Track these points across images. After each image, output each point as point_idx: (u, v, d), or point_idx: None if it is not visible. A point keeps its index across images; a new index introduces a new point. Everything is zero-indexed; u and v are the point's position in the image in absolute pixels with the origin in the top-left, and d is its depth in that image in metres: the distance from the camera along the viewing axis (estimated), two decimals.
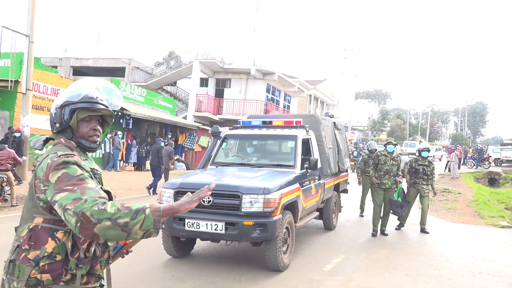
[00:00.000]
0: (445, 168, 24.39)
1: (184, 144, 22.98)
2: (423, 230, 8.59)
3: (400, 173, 8.31)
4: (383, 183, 8.14)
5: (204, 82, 28.25)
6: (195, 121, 25.24)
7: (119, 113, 18.56)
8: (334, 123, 8.96)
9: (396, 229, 8.65)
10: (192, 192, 4.69)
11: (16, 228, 1.91)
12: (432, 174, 8.63)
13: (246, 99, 27.04)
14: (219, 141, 7.31)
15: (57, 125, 1.93)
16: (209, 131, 8.68)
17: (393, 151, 8.31)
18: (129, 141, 19.60)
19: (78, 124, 1.94)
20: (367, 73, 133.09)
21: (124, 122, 18.85)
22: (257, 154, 7.33)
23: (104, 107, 1.98)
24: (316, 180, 7.09)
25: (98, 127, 2.01)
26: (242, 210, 5.34)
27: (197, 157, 22.07)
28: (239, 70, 27.29)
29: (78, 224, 1.59)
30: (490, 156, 28.64)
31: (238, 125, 7.59)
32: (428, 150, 8.79)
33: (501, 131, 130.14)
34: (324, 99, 42.75)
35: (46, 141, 1.99)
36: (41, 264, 1.74)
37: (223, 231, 5.34)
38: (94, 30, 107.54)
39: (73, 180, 1.70)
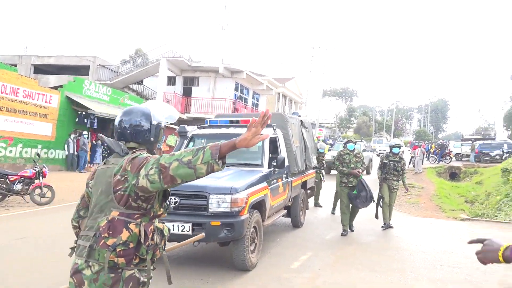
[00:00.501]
0: (409, 163, 25.07)
1: None
2: (387, 225, 8.68)
3: (363, 168, 8.32)
4: (350, 181, 8.11)
5: (171, 81, 27.93)
6: None
7: (83, 113, 18.09)
8: (301, 121, 9.04)
9: (382, 228, 8.59)
10: None
11: (74, 220, 2.51)
12: (402, 170, 8.71)
13: (214, 97, 26.93)
14: (186, 141, 7.24)
15: (152, 138, 2.40)
16: (176, 131, 8.58)
17: (354, 148, 8.38)
18: (94, 142, 19.13)
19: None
20: (334, 71, 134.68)
21: (89, 122, 18.36)
22: None
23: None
24: (283, 179, 7.14)
25: None
26: (209, 210, 5.32)
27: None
28: (207, 68, 27.14)
29: (161, 176, 2.00)
30: (451, 151, 29.66)
31: (205, 125, 7.55)
32: (399, 146, 8.86)
33: (461, 127, 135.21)
34: (292, 97, 43.11)
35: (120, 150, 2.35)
36: (118, 249, 2.08)
37: (190, 232, 5.29)
38: (56, 27, 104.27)
39: (144, 158, 2.13)
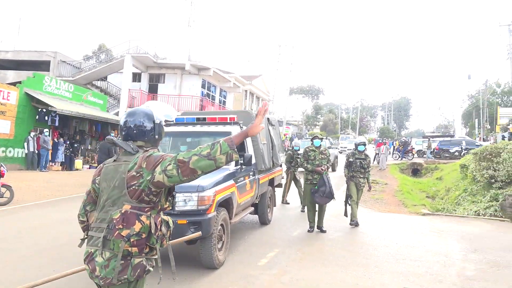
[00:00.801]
0: (373, 160, 25.68)
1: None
2: (353, 222, 8.69)
3: (328, 165, 8.23)
4: (314, 178, 8.05)
5: (136, 77, 27.41)
6: None
7: (44, 110, 17.47)
8: (268, 119, 9.07)
9: (350, 225, 8.60)
10: None
11: (81, 215, 2.68)
12: (368, 167, 8.76)
13: (181, 94, 26.63)
14: None
15: (156, 136, 2.60)
16: None
17: (320, 145, 8.31)
18: (55, 139, 18.51)
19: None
20: (301, 69, 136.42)
21: (50, 120, 17.75)
22: None
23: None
24: (250, 176, 7.15)
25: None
26: (176, 209, 5.26)
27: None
28: (173, 65, 26.79)
29: (179, 171, 2.25)
30: (414, 148, 30.56)
31: (171, 122, 7.45)
32: (364, 144, 8.90)
33: (423, 124, 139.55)
34: (259, 94, 43.22)
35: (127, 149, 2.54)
36: (132, 240, 2.30)
37: None
38: (14, 20, 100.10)
39: (159, 156, 2.36)
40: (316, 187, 7.85)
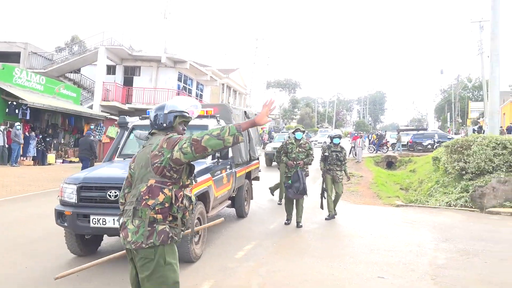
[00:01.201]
0: (349, 153, 26.00)
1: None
2: (331, 216, 8.70)
3: (308, 160, 8.06)
4: (290, 171, 7.90)
5: (111, 70, 26.87)
6: (102, 111, 23.91)
7: (14, 103, 16.97)
8: (245, 112, 9.08)
9: (326, 219, 8.62)
10: (96, 188, 5.09)
11: (121, 197, 3.09)
12: (344, 160, 8.78)
13: (157, 87, 26.28)
14: (126, 132, 7.03)
15: (165, 124, 2.99)
16: (116, 122, 8.30)
17: (301, 138, 8.20)
18: (26, 133, 18.01)
19: (177, 125, 3.04)
20: (278, 63, 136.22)
21: (21, 113, 17.22)
22: None
23: (189, 116, 3.14)
24: (227, 169, 7.15)
25: (185, 128, 3.13)
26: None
27: (105, 149, 21.04)
28: (149, 57, 26.38)
29: (193, 148, 2.64)
30: (388, 141, 31.08)
31: (147, 115, 7.35)
32: (340, 137, 8.88)
33: (397, 118, 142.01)
34: (236, 88, 43.10)
35: (151, 135, 3.03)
36: (156, 208, 2.73)
37: None
38: None
39: (177, 137, 2.80)
40: (290, 182, 7.76)
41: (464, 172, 11.38)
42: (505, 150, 10.90)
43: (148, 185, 2.78)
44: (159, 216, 2.75)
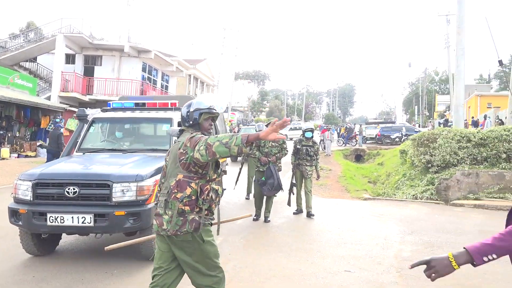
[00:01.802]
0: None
1: (49, 128, 20.84)
2: (309, 214, 8.31)
3: (281, 155, 7.92)
4: (262, 166, 7.78)
5: (70, 59, 25.75)
6: (61, 102, 22.94)
7: None
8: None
9: (294, 213, 8.49)
10: (53, 184, 4.91)
11: (158, 186, 3.40)
12: (316, 155, 8.44)
13: (120, 78, 25.47)
14: (86, 125, 6.71)
15: (191, 122, 3.20)
16: (75, 114, 7.92)
17: None
18: None
19: (202, 121, 3.23)
20: (247, 54, 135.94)
21: None
22: (129, 139, 6.91)
23: (216, 112, 3.28)
24: None
25: (212, 123, 3.33)
26: (113, 199, 4.99)
27: (65, 143, 20.27)
28: (111, 46, 25.48)
29: (207, 151, 2.83)
30: (357, 134, 31.60)
31: (109, 107, 7.06)
32: (312, 131, 8.59)
33: (366, 111, 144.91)
34: (204, 79, 42.61)
35: (181, 131, 3.26)
36: (184, 200, 3.00)
37: (92, 224, 4.94)
38: None
39: (198, 137, 2.98)
40: (263, 178, 7.60)
41: (430, 165, 11.60)
42: (469, 143, 11.17)
43: (177, 179, 3.05)
44: (187, 208, 3.01)
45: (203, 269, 3.11)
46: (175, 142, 3.25)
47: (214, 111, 3.27)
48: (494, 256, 1.80)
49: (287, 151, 7.96)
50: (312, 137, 8.58)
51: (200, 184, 3.04)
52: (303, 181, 8.54)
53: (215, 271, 3.17)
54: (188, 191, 3.01)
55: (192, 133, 3.11)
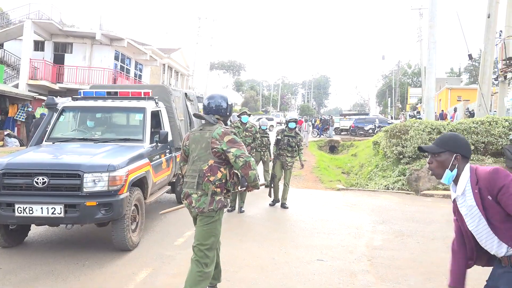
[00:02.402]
0: None
1: (17, 117, 20.16)
2: (283, 205, 8.33)
3: (254, 145, 7.94)
4: None
5: (39, 46, 24.86)
6: (29, 90, 22.18)
7: None
8: (186, 94, 8.78)
9: (270, 205, 8.45)
10: (22, 174, 4.90)
11: (178, 169, 4.17)
12: (298, 146, 8.34)
13: (91, 66, 24.83)
14: (55, 114, 6.53)
15: (227, 113, 3.86)
16: (44, 103, 7.70)
17: (247, 122, 8.02)
18: None
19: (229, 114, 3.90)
20: (222, 44, 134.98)
21: None
22: (101, 128, 6.77)
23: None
24: (167, 154, 6.89)
25: None
26: (84, 190, 4.90)
27: (26, 130, 19.63)
28: (82, 33, 24.71)
29: (243, 166, 3.52)
30: (330, 126, 31.93)
31: (79, 96, 6.88)
32: (296, 121, 8.46)
33: (341, 102, 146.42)
34: (178, 69, 42.05)
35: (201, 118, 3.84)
36: (217, 183, 3.56)
37: (62, 215, 4.84)
38: None
39: (238, 143, 3.59)
40: None
41: (401, 156, 11.84)
42: (439, 135, 11.45)
43: (209, 164, 3.58)
44: (218, 189, 3.58)
45: (205, 242, 3.65)
46: (200, 129, 3.74)
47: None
48: None
49: (259, 140, 7.94)
50: (295, 127, 8.49)
51: (228, 169, 3.64)
52: (283, 172, 8.47)
53: (209, 254, 3.66)
54: (219, 175, 3.57)
55: (224, 127, 3.67)
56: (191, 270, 3.58)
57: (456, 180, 2.41)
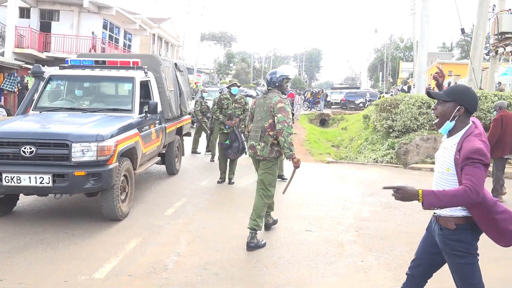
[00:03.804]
0: None
1: (3, 86, 19.69)
2: (280, 177, 8.03)
3: (243, 117, 7.72)
4: (226, 128, 7.68)
5: (25, 13, 24.08)
6: (15, 59, 21.65)
7: None
8: (176, 64, 8.64)
9: None
10: (8, 143, 4.81)
11: (245, 127, 5.48)
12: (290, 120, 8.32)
13: (79, 35, 24.23)
14: (42, 83, 6.40)
15: (277, 84, 4.81)
16: (30, 71, 7.53)
17: (237, 93, 7.95)
18: None
19: (284, 84, 4.87)
20: (213, 15, 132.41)
21: None
22: (89, 98, 6.67)
23: (291, 77, 4.91)
24: (156, 125, 6.84)
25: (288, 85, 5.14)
26: (72, 160, 4.87)
27: (20, 101, 19.31)
28: (69, 1, 23.84)
29: (278, 130, 4.54)
30: (323, 100, 31.91)
31: (67, 64, 6.74)
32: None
33: (332, 76, 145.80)
34: (169, 39, 41.32)
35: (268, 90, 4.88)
36: (274, 136, 4.65)
37: (50, 184, 4.82)
38: None
39: (287, 111, 4.60)
40: (227, 142, 7.52)
41: (391, 130, 11.89)
42: (429, 109, 11.49)
43: (269, 123, 4.65)
44: (275, 141, 4.65)
45: (266, 181, 4.80)
46: (264, 96, 4.81)
47: (290, 77, 4.86)
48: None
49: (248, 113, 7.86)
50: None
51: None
52: None
53: (269, 190, 4.84)
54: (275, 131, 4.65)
55: (281, 96, 4.71)
56: (257, 201, 4.79)
57: (451, 133, 2.49)
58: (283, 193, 5.27)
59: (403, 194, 2.35)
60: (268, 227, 5.31)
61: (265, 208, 4.84)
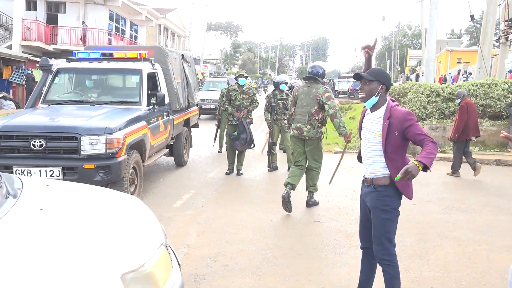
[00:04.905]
0: None
1: (11, 79, 19.84)
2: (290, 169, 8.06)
3: (251, 108, 7.76)
4: (235, 119, 7.65)
5: (31, 5, 24.07)
6: (23, 52, 21.75)
7: None
8: (183, 55, 8.62)
9: (269, 171, 8.32)
10: (18, 137, 4.88)
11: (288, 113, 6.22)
12: None
13: (85, 27, 24.22)
14: (50, 76, 6.43)
15: (322, 76, 5.79)
16: (38, 64, 7.56)
17: (245, 84, 7.86)
18: None
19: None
20: (219, 4, 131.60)
21: None
22: (97, 91, 6.70)
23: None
24: (164, 117, 6.85)
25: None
26: (82, 152, 4.90)
27: (29, 94, 19.40)
28: None
29: (332, 114, 5.47)
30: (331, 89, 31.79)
31: (74, 57, 6.76)
32: (286, 83, 8.36)
33: (339, 65, 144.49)
34: (175, 30, 41.21)
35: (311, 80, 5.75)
36: (319, 120, 5.61)
37: (60, 177, 4.88)
38: None
39: (333, 99, 5.63)
40: (235, 133, 7.51)
41: None
42: (438, 98, 11.37)
43: (315, 109, 5.52)
44: (320, 125, 5.59)
45: (316, 156, 5.83)
46: (308, 86, 5.62)
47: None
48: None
49: (258, 103, 7.89)
50: (286, 89, 8.38)
51: (321, 112, 5.56)
52: (280, 136, 8.45)
53: (319, 162, 5.93)
54: (320, 116, 5.55)
55: (325, 87, 5.64)
56: (311, 173, 5.89)
57: (375, 107, 3.01)
58: (329, 183, 6.02)
59: (411, 173, 2.74)
60: (308, 204, 6.05)
61: (318, 177, 5.92)
